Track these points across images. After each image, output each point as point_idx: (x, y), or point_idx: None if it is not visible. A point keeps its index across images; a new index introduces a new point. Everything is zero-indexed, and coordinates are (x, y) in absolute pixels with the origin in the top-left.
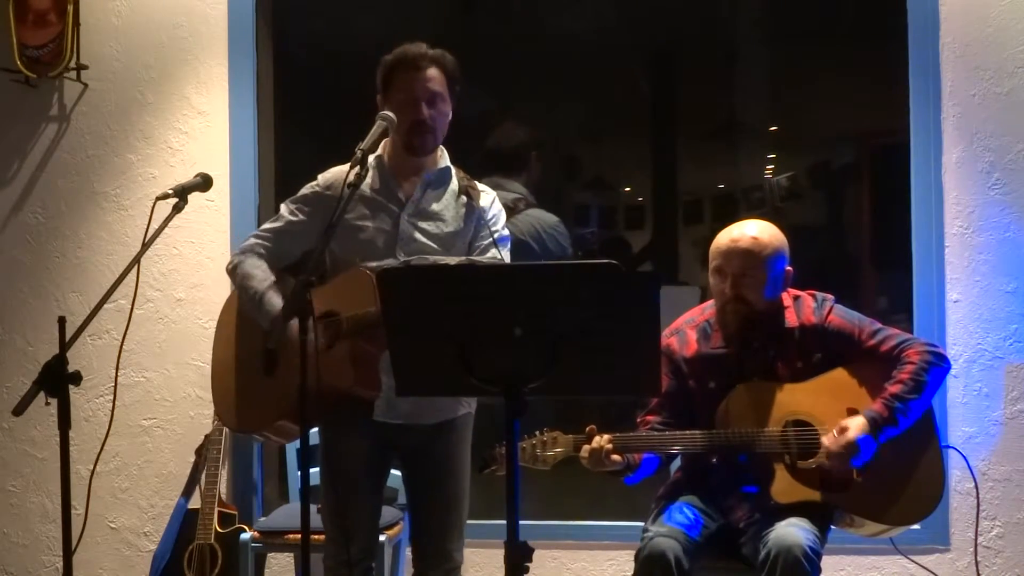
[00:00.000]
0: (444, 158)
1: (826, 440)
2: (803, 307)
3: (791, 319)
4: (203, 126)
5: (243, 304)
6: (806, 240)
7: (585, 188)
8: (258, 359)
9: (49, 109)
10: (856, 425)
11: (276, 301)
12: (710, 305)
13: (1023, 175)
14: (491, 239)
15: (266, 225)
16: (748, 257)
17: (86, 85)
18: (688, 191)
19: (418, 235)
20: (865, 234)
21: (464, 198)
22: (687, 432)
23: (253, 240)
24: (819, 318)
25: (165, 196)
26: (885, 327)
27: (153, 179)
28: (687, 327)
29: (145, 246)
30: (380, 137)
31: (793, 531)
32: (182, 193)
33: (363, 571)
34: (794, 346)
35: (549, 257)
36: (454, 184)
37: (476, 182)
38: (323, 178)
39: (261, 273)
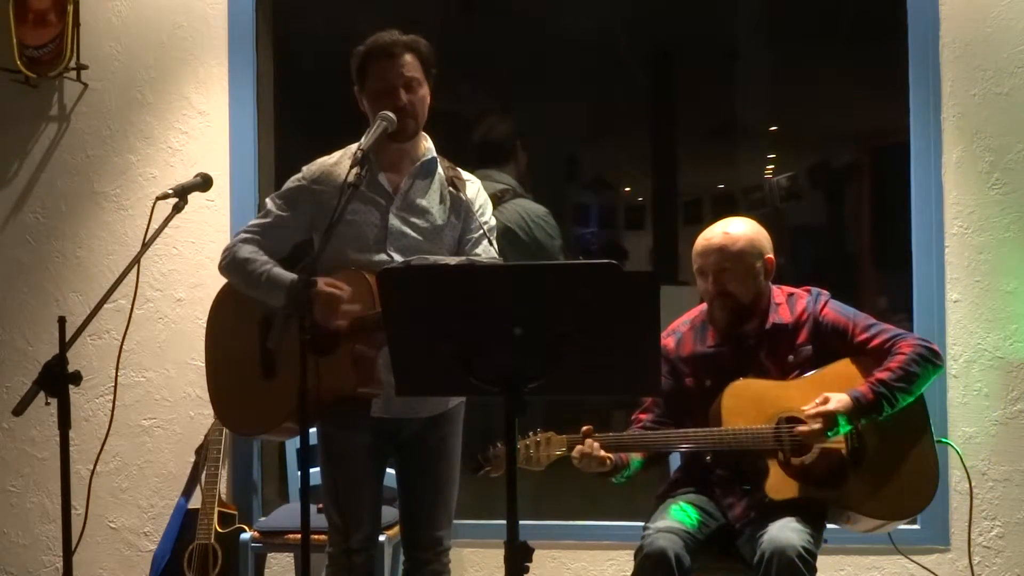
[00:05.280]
0: (430, 149)
1: (806, 407)
2: (796, 303)
3: (784, 315)
4: (203, 126)
5: (249, 288)
6: (806, 240)
7: (585, 188)
8: (255, 361)
9: (49, 109)
10: (838, 399)
11: (284, 274)
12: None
13: (1023, 175)
14: (482, 231)
15: (254, 221)
16: (722, 251)
17: (86, 85)
18: (688, 191)
19: (407, 230)
20: (865, 234)
21: (451, 189)
22: (679, 431)
23: (243, 235)
24: (813, 312)
25: (165, 196)
26: (879, 323)
27: (153, 179)
28: (683, 327)
29: (145, 246)
30: (380, 137)
31: (787, 532)
32: (182, 193)
33: (366, 558)
34: (787, 341)
35: (536, 246)
36: (440, 174)
37: (460, 171)
38: (307, 170)
39: (260, 256)
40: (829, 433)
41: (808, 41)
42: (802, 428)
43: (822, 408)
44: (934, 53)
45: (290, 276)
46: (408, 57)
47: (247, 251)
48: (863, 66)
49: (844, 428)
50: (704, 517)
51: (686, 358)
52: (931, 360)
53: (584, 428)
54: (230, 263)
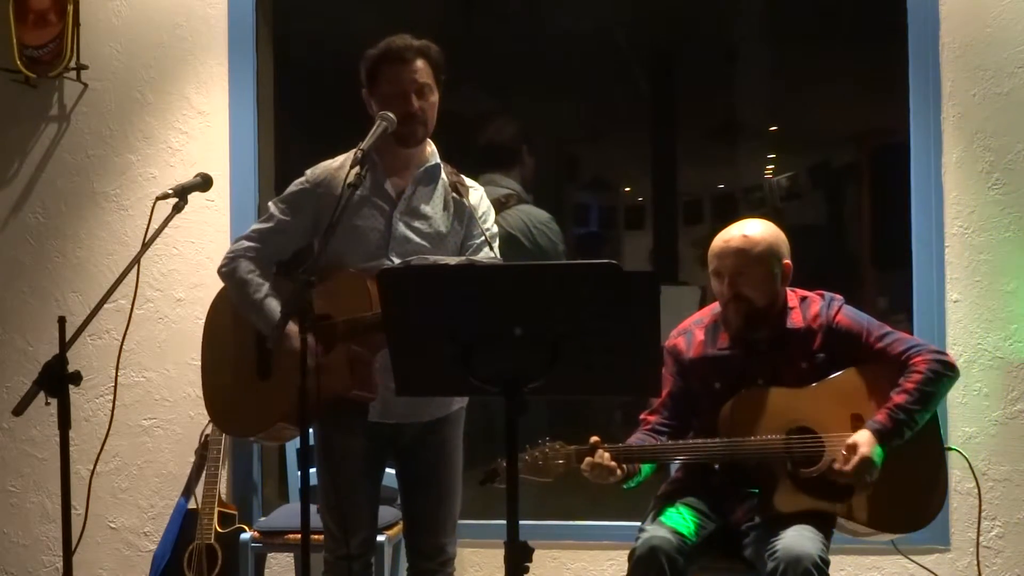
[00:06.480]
0: (434, 154)
1: (837, 465)
2: (810, 308)
3: (797, 320)
4: (203, 126)
5: (241, 309)
6: (806, 240)
7: (585, 188)
8: (251, 363)
9: (49, 109)
10: (864, 441)
11: (276, 307)
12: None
13: (1023, 175)
14: (484, 237)
15: (256, 226)
16: (740, 255)
17: (86, 85)
18: (688, 191)
19: (410, 234)
20: (865, 234)
21: (454, 195)
22: (689, 442)
23: (244, 243)
24: (826, 318)
25: (165, 196)
26: (894, 331)
27: (153, 179)
28: (695, 327)
29: (145, 246)
30: (381, 137)
31: (802, 541)
32: (182, 193)
33: (363, 565)
34: (799, 347)
35: (539, 252)
36: (443, 180)
37: (464, 177)
38: (311, 174)
39: (257, 279)
40: (868, 477)
41: (808, 41)
42: (844, 480)
43: (856, 460)
44: (934, 53)
45: (277, 313)
46: (420, 63)
47: (246, 270)
48: (863, 66)
49: (879, 461)
50: (701, 519)
51: (696, 359)
52: (946, 374)
53: (592, 439)
54: (229, 275)
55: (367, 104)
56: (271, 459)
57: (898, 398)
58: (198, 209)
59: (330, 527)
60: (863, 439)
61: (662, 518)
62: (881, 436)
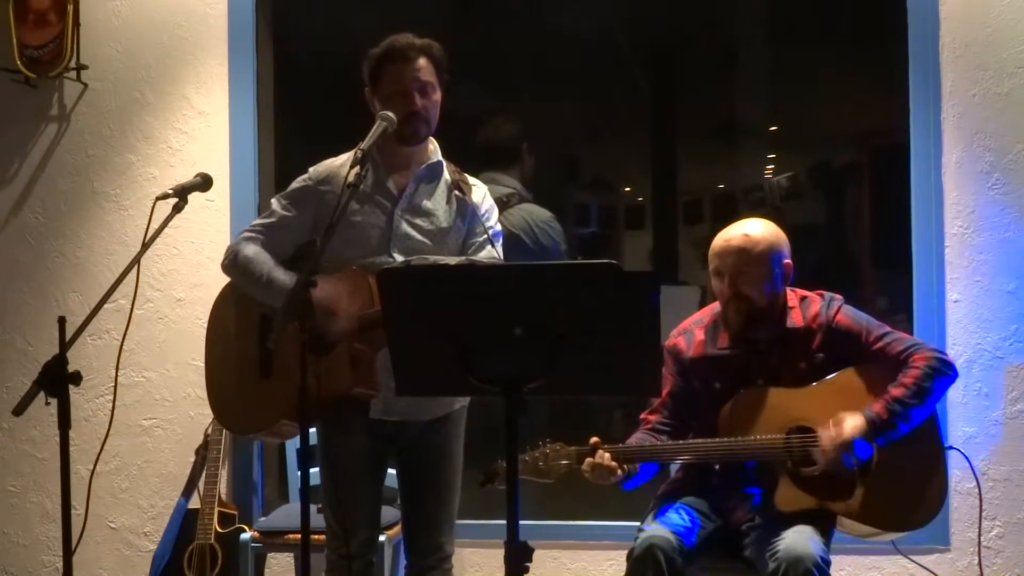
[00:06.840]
0: (436, 152)
1: (821, 433)
2: (809, 307)
3: (797, 319)
4: (203, 126)
5: (250, 288)
6: (806, 240)
7: (585, 188)
8: (254, 360)
9: (49, 109)
10: (852, 423)
11: (285, 277)
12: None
13: (1023, 175)
14: (486, 235)
15: (257, 220)
16: (741, 254)
17: (86, 85)
18: (688, 191)
19: (412, 231)
20: (865, 234)
21: (457, 193)
22: (689, 442)
23: (246, 234)
24: (826, 318)
25: (165, 196)
26: (894, 331)
27: (153, 179)
28: (695, 327)
29: (145, 246)
30: (381, 137)
31: (803, 541)
32: (182, 193)
33: (364, 564)
34: (799, 347)
35: (541, 251)
36: (446, 178)
37: (467, 175)
38: (314, 171)
39: (263, 257)
40: (845, 460)
41: (808, 41)
42: (818, 454)
43: (837, 436)
44: (934, 53)
45: (288, 282)
46: (423, 61)
47: (251, 251)
48: (863, 66)
49: (861, 450)
50: (701, 519)
51: (696, 359)
52: (945, 372)
53: (592, 440)
54: (233, 262)
55: (369, 103)
56: (271, 459)
57: (895, 391)
58: (198, 209)
59: (332, 525)
60: (851, 421)
61: (661, 518)
62: (872, 424)
